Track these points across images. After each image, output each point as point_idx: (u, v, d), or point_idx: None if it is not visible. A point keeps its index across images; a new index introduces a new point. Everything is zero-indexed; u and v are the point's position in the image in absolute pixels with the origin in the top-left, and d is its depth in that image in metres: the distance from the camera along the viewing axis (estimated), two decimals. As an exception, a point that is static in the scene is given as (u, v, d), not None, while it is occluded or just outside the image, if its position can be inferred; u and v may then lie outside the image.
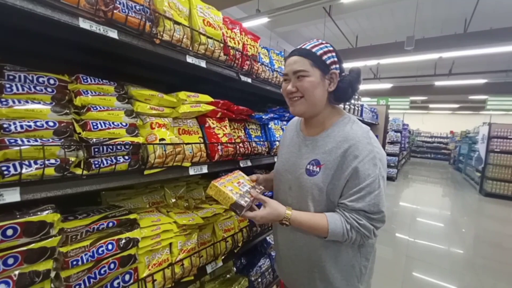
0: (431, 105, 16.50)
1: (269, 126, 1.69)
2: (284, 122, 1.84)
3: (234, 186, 1.01)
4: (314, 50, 0.92)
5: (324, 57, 0.92)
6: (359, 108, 3.79)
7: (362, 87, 12.15)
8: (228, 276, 1.60)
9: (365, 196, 0.86)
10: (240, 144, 1.36)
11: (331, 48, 0.95)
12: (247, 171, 1.78)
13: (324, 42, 0.96)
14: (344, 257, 0.96)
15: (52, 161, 0.69)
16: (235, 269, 1.69)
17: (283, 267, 1.13)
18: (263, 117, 1.62)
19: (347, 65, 0.96)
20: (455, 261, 3.46)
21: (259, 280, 1.65)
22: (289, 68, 0.95)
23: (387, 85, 11.68)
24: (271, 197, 1.07)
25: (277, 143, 1.64)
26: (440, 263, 3.35)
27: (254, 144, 1.48)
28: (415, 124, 18.27)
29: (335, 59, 0.94)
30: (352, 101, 3.48)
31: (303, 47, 0.94)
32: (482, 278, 3.06)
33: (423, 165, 14.11)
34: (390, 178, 8.61)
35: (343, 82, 0.95)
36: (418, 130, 18.43)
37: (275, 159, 1.66)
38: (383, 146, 5.12)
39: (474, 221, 5.32)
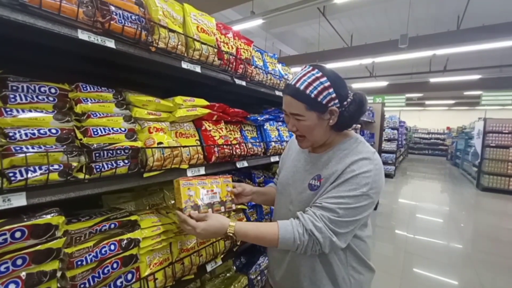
0: (427, 102, 16.62)
1: (265, 127, 1.73)
2: (279, 123, 1.89)
3: (198, 193, 1.00)
4: (308, 91, 0.85)
5: (320, 97, 0.85)
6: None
7: (358, 85, 12.23)
8: (228, 274, 1.64)
9: (341, 204, 0.82)
10: (236, 146, 1.40)
11: (327, 84, 0.85)
12: (245, 171, 1.83)
13: (319, 75, 0.86)
14: (336, 268, 0.93)
15: (56, 166, 0.73)
16: (234, 267, 1.72)
17: (274, 275, 1.09)
18: (259, 118, 1.66)
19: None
20: (454, 256, 3.51)
21: (258, 278, 1.69)
22: (286, 107, 0.92)
23: (383, 83, 11.76)
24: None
25: (272, 143, 1.68)
26: (439, 258, 3.40)
27: (250, 145, 1.51)
28: (412, 121, 18.38)
29: (333, 95, 0.86)
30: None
31: (296, 85, 0.87)
32: (480, 272, 3.11)
33: (420, 162, 14.20)
34: (388, 175, 8.67)
35: (343, 115, 0.89)
36: (415, 127, 18.55)
37: (272, 159, 1.70)
38: (380, 144, 5.16)
39: (472, 216, 5.38)
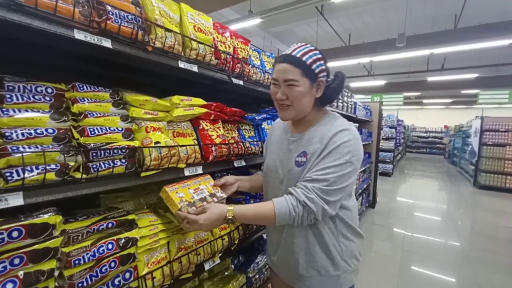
0: (425, 101, 16.69)
1: (262, 126, 1.74)
2: (277, 122, 1.89)
3: (188, 193, 1.04)
4: (304, 58, 0.94)
5: (313, 66, 0.95)
6: (353, 106, 3.84)
7: (356, 84, 12.26)
8: (226, 273, 1.65)
9: (329, 173, 0.91)
10: (234, 145, 1.40)
11: (319, 56, 0.98)
12: (243, 170, 1.83)
13: (313, 48, 0.98)
14: (326, 237, 1.01)
15: (53, 166, 0.73)
16: (233, 266, 1.73)
17: (272, 256, 1.18)
18: (256, 117, 1.66)
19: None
20: (451, 254, 3.54)
21: (257, 276, 1.70)
22: (279, 75, 0.97)
23: (380, 82, 11.79)
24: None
25: (270, 142, 1.69)
26: (436, 256, 3.43)
27: (248, 145, 1.52)
28: (410, 119, 18.46)
29: (323, 67, 0.98)
30: (345, 99, 3.53)
31: (293, 53, 0.96)
32: (477, 270, 3.14)
33: (418, 160, 14.26)
34: (386, 174, 8.71)
35: (329, 89, 1.01)
36: (413, 126, 18.62)
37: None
38: (378, 142, 5.18)
39: (469, 214, 5.41)
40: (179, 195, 1.01)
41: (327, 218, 1.01)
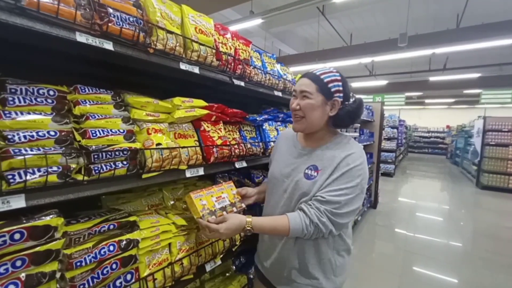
0: (427, 101, 16.60)
1: (264, 127, 1.74)
2: (278, 123, 1.89)
3: (210, 201, 1.10)
4: (322, 77, 1.03)
5: (330, 84, 1.02)
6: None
7: (358, 84, 12.23)
8: (227, 274, 1.65)
9: (341, 195, 0.95)
10: (235, 146, 1.40)
11: (339, 78, 1.04)
12: (244, 172, 1.83)
13: (334, 71, 1.05)
14: (323, 251, 1.05)
15: (55, 168, 0.73)
16: (234, 267, 1.73)
17: (263, 261, 1.21)
18: (257, 118, 1.66)
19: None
20: (453, 254, 3.52)
21: (258, 277, 1.70)
22: (298, 87, 1.06)
23: (382, 82, 11.76)
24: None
25: (272, 143, 1.69)
26: (438, 257, 3.41)
27: (249, 146, 1.52)
28: (411, 119, 18.38)
29: (340, 88, 1.03)
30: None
31: (314, 72, 1.05)
32: (480, 270, 3.12)
33: (420, 160, 14.21)
34: (388, 174, 8.69)
35: (343, 110, 1.04)
36: (415, 126, 18.55)
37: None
38: (379, 142, 5.17)
39: (471, 214, 5.39)
40: (202, 202, 1.07)
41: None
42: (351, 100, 1.07)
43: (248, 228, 0.98)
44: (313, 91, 1.02)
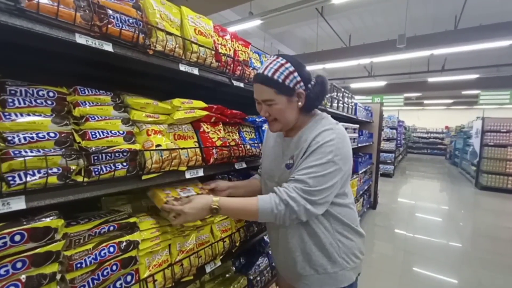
0: (425, 101, 16.67)
1: (263, 128, 1.74)
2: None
3: (174, 191, 1.08)
4: (275, 77, 0.95)
5: (287, 81, 0.96)
6: (353, 107, 3.84)
7: (357, 85, 12.26)
8: (227, 275, 1.64)
9: (311, 173, 0.92)
10: (235, 147, 1.40)
11: (291, 69, 0.97)
12: (243, 172, 1.83)
13: (284, 62, 0.97)
14: (322, 236, 1.03)
15: (55, 170, 0.73)
16: (234, 268, 1.73)
17: (275, 258, 1.22)
18: (257, 119, 1.66)
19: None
20: (453, 255, 3.53)
21: (258, 278, 1.70)
22: (257, 95, 1.02)
23: (381, 83, 11.79)
24: None
25: (271, 144, 1.69)
26: (438, 257, 3.42)
27: (248, 147, 1.52)
28: (410, 120, 18.43)
29: (298, 78, 0.98)
30: (346, 100, 3.53)
31: (265, 72, 0.97)
32: (479, 270, 3.13)
33: (420, 161, 14.24)
34: (387, 175, 8.70)
35: (309, 95, 1.01)
36: (414, 126, 18.59)
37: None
38: (378, 143, 5.17)
39: (470, 215, 5.40)
40: (166, 191, 1.04)
41: (321, 218, 1.03)
42: (313, 81, 1.02)
43: (215, 206, 0.95)
44: (274, 96, 0.97)
